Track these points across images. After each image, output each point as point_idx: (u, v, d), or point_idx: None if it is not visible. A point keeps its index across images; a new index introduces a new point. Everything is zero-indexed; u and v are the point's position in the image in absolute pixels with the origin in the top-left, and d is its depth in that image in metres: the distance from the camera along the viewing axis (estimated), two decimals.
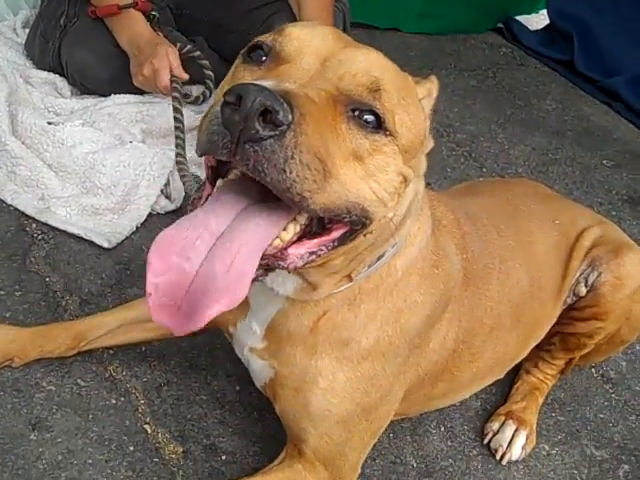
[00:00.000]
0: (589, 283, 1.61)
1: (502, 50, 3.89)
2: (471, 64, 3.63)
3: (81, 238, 1.95)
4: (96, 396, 1.57)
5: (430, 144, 1.15)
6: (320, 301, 1.21)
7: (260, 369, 1.35)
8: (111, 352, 1.66)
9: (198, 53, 2.40)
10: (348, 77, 0.97)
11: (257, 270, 0.94)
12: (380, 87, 0.98)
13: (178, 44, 2.35)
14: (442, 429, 1.70)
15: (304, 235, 1.01)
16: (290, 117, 0.85)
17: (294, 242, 1.00)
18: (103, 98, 2.36)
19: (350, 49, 1.02)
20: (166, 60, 2.18)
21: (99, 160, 2.09)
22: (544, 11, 4.21)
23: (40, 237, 1.94)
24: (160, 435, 1.53)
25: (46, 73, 2.45)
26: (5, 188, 2.04)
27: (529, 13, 4.30)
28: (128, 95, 2.36)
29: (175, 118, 2.09)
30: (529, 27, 4.17)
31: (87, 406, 1.54)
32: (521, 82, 3.59)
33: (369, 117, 0.97)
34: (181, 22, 2.64)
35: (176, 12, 2.67)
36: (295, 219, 0.98)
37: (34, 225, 1.97)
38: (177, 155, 1.98)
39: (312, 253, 1.02)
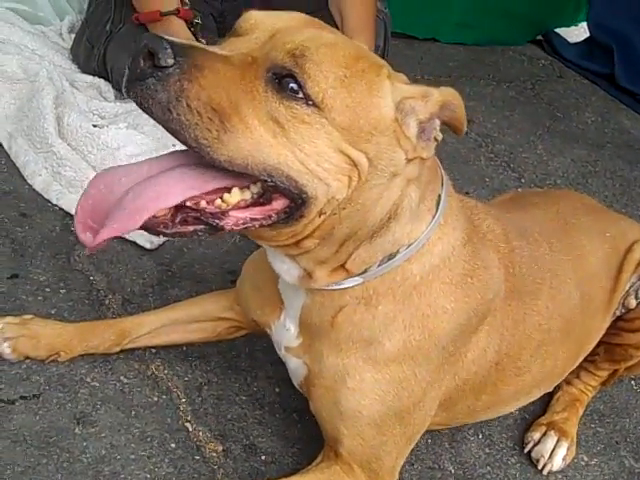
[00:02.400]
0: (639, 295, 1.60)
1: (541, 62, 3.88)
2: (510, 75, 3.63)
3: (124, 239, 1.97)
4: (138, 393, 1.59)
5: (426, 152, 1.12)
6: (334, 296, 1.23)
7: (295, 367, 1.38)
8: (153, 351, 1.68)
9: None
10: (279, 45, 1.00)
11: (194, 225, 1.03)
12: (306, 54, 0.99)
13: None
14: (480, 436, 1.70)
15: (253, 205, 1.06)
16: (171, 61, 0.92)
17: (240, 208, 1.05)
18: None
19: (306, 27, 1.05)
20: None
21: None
22: (584, 24, 4.20)
23: None
24: (201, 434, 1.54)
25: (91, 77, 2.49)
26: (50, 188, 2.07)
27: (569, 26, 4.28)
28: None
29: None
30: (569, 40, 4.15)
31: (130, 403, 1.56)
32: (560, 94, 3.58)
33: (292, 85, 0.99)
34: (224, 30, 2.67)
35: (219, 19, 2.70)
36: (248, 187, 1.04)
37: None
38: None
39: (253, 219, 1.06)
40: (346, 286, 1.21)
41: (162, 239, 2.00)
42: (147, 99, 0.93)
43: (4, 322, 1.59)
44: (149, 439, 1.50)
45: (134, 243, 1.97)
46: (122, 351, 1.63)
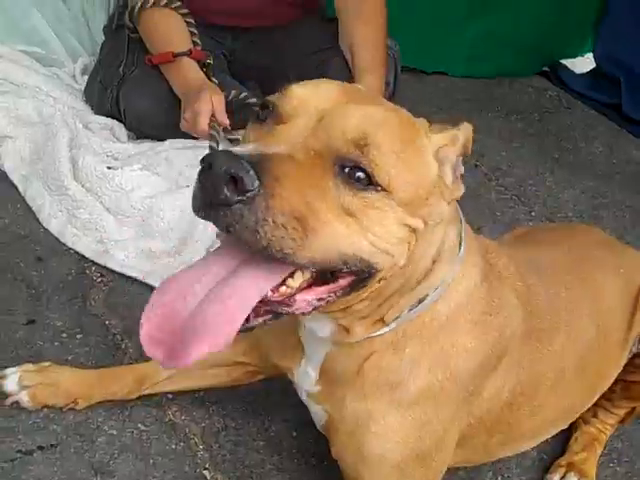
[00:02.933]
0: None
1: (548, 93, 3.89)
2: (518, 107, 3.64)
3: (139, 281, 1.99)
4: (156, 441, 1.59)
5: (460, 191, 1.14)
6: (364, 344, 1.22)
7: (316, 413, 1.38)
8: (170, 397, 1.68)
9: (254, 100, 2.44)
10: (337, 133, 0.98)
11: (264, 316, 1.00)
12: (369, 142, 0.97)
13: (233, 91, 2.40)
14: (499, 478, 1.68)
15: (315, 282, 1.04)
16: (256, 183, 0.88)
17: (303, 289, 1.03)
18: (159, 143, 2.42)
19: (349, 105, 1.02)
20: (208, 105, 2.23)
21: (157, 204, 2.14)
22: (589, 55, 4.22)
23: (99, 280, 1.98)
24: None
25: (104, 118, 2.52)
26: (66, 231, 2.09)
27: (575, 57, 4.30)
28: (184, 140, 2.42)
29: None
30: (575, 70, 4.17)
31: (147, 451, 1.56)
32: (568, 126, 3.58)
33: (359, 174, 0.97)
34: (233, 67, 2.71)
35: (230, 58, 2.74)
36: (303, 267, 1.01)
37: (93, 268, 2.01)
38: None
39: (320, 299, 1.05)
40: (375, 334, 1.20)
41: None
42: (233, 225, 0.89)
43: (22, 370, 1.60)
44: None
45: (149, 285, 1.97)
46: (139, 397, 1.63)
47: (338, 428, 1.32)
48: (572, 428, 1.80)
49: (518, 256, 1.46)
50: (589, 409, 1.75)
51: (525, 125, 3.47)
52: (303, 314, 1.05)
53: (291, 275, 1.01)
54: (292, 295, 1.02)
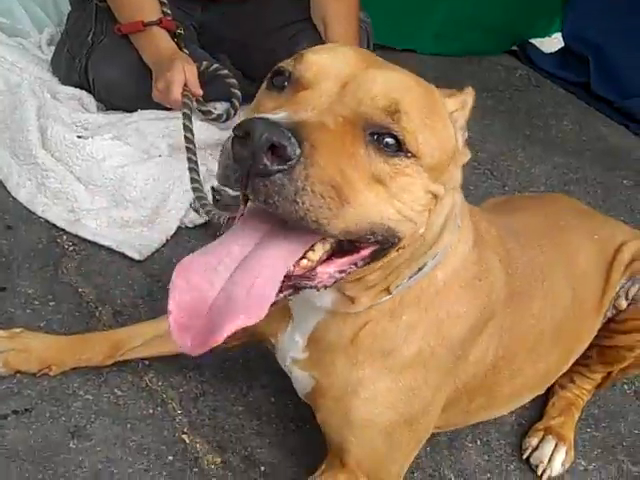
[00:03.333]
0: (630, 296, 1.60)
1: (518, 72, 3.91)
2: (488, 85, 3.65)
3: (112, 250, 1.95)
4: (133, 406, 1.56)
5: (466, 156, 1.15)
6: (361, 313, 1.20)
7: (301, 380, 1.35)
8: (146, 363, 1.65)
9: (226, 72, 2.41)
10: (366, 100, 0.96)
11: (285, 291, 0.97)
12: (399, 109, 0.96)
13: (204, 62, 2.36)
14: (478, 443, 1.69)
15: (334, 254, 1.02)
16: (298, 151, 0.85)
17: (324, 261, 1.01)
18: (129, 114, 2.37)
19: (371, 70, 1.00)
20: (181, 74, 2.20)
21: (129, 174, 2.10)
22: (558, 34, 4.25)
23: (71, 249, 1.94)
24: (198, 445, 1.51)
25: (72, 89, 2.46)
26: (35, 200, 2.04)
27: (543, 36, 4.32)
28: (155, 110, 2.37)
29: (185, 137, 2.12)
30: (544, 50, 4.19)
31: (125, 415, 1.53)
32: (538, 103, 3.60)
33: (389, 140, 0.96)
34: (204, 40, 2.66)
35: (200, 30, 2.69)
36: (324, 238, 0.99)
37: (65, 237, 1.97)
38: (191, 172, 2.00)
39: (342, 271, 1.03)
40: (376, 303, 1.19)
41: (151, 250, 1.98)
42: (273, 195, 0.86)
43: None
44: (146, 452, 1.47)
45: (122, 254, 1.94)
46: (115, 363, 1.60)
47: (325, 394, 1.29)
48: (549, 394, 1.81)
49: (496, 221, 1.46)
50: (566, 374, 1.77)
51: (495, 102, 3.48)
52: (325, 287, 1.02)
53: (311, 248, 0.98)
54: (313, 268, 0.99)
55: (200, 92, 2.27)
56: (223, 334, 0.88)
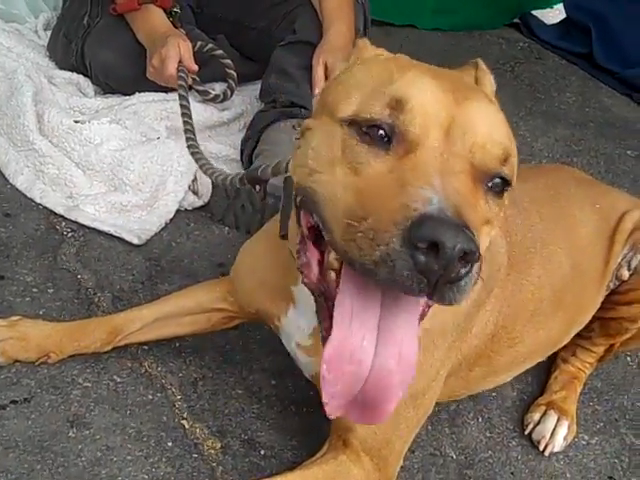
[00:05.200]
0: (632, 266, 1.60)
1: (519, 45, 3.87)
2: (489, 59, 3.55)
3: (111, 235, 1.95)
4: (132, 392, 1.56)
5: None
6: None
7: (306, 364, 1.36)
8: (145, 348, 1.65)
9: (220, 52, 2.40)
10: (478, 150, 0.93)
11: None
12: (510, 153, 0.96)
13: (199, 42, 2.35)
14: (480, 420, 1.68)
15: None
16: (478, 253, 0.84)
17: None
18: (127, 97, 2.36)
19: (464, 107, 0.96)
20: (175, 50, 2.19)
21: (126, 157, 2.09)
22: (560, 5, 4.20)
23: (70, 235, 1.93)
24: (198, 430, 1.51)
25: (69, 73, 2.45)
26: (34, 187, 2.04)
27: (544, 8, 4.28)
28: (152, 93, 2.36)
29: (182, 106, 2.11)
30: (545, 22, 4.15)
31: (124, 402, 1.53)
32: (540, 75, 3.57)
33: (498, 181, 0.96)
34: (201, 20, 2.64)
35: (196, 10, 2.67)
36: None
37: (63, 223, 1.96)
38: (188, 141, 1.97)
39: None
40: None
41: (150, 234, 1.97)
42: (457, 294, 0.86)
43: None
44: (145, 439, 1.47)
45: (121, 239, 1.94)
46: (114, 349, 1.60)
47: None
48: (552, 368, 1.81)
49: None
50: (568, 348, 1.77)
51: (497, 76, 3.34)
52: None
53: None
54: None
55: (195, 68, 2.25)
56: (387, 413, 0.94)
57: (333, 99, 1.02)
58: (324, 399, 0.93)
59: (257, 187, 1.52)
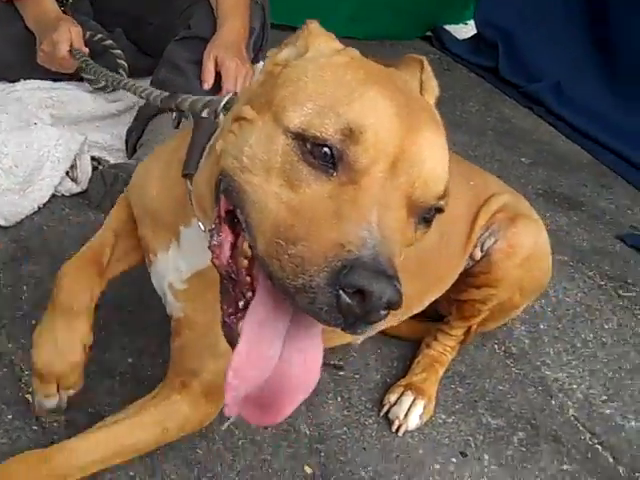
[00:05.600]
0: (484, 248, 1.63)
1: (430, 56, 3.86)
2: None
3: None
4: None
5: None
6: None
7: (172, 305, 1.32)
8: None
9: (110, 42, 2.39)
10: (421, 185, 0.92)
11: None
12: (447, 190, 0.97)
13: (88, 32, 2.34)
14: (339, 399, 1.68)
15: None
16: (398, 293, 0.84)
17: None
18: (11, 84, 2.33)
19: (416, 142, 0.92)
20: (67, 34, 2.18)
21: (1, 141, 2.05)
22: (471, 22, 4.31)
23: None
24: None
25: None
26: None
27: (457, 23, 4.39)
28: (38, 81, 2.34)
29: (93, 72, 2.12)
30: (457, 37, 4.25)
31: None
32: (447, 85, 3.58)
33: (432, 212, 0.97)
34: (99, 13, 2.62)
35: (95, 6, 2.66)
36: None
37: None
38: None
39: None
40: None
41: (20, 217, 1.94)
42: (372, 330, 0.87)
43: None
44: None
45: None
46: None
47: (193, 327, 1.28)
48: (415, 352, 1.82)
49: None
50: (430, 334, 1.79)
51: None
52: None
53: None
54: None
55: (86, 50, 2.24)
56: (284, 415, 0.93)
57: (280, 100, 0.94)
58: (226, 400, 0.91)
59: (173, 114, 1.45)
